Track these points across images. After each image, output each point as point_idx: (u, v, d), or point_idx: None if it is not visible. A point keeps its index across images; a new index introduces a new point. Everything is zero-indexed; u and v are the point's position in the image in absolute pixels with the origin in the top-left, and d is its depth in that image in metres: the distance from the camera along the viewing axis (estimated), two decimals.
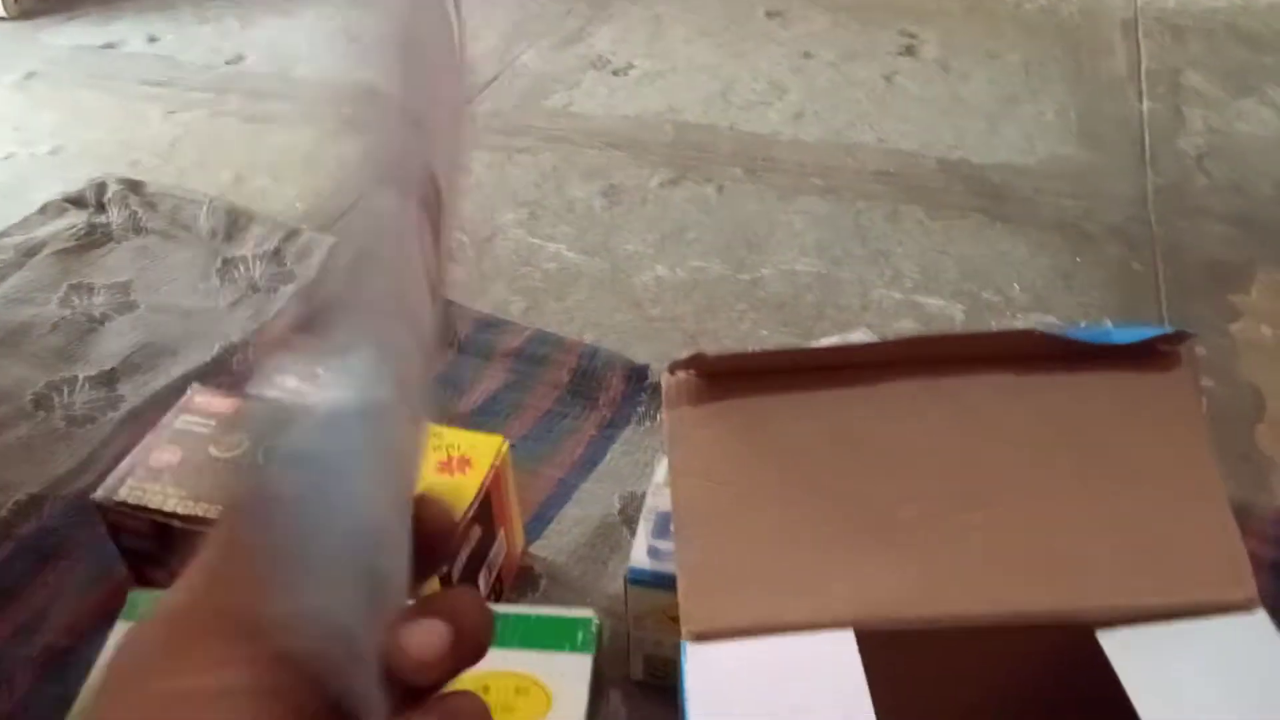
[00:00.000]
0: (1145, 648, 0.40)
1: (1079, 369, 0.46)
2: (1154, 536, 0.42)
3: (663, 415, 0.46)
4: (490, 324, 0.76)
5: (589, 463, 0.65)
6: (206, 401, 0.57)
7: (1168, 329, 0.45)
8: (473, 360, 0.73)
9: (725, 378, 0.46)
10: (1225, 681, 0.39)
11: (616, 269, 0.84)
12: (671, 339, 0.76)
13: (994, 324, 0.75)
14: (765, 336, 0.76)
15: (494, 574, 0.53)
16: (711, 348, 0.71)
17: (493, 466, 0.52)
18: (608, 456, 0.66)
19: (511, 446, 0.66)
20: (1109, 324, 0.72)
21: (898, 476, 0.44)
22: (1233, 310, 0.76)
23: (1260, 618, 0.41)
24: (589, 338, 0.75)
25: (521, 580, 0.58)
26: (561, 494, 0.63)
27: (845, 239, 0.86)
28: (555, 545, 0.60)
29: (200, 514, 0.50)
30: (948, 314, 0.77)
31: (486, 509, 0.51)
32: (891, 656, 0.42)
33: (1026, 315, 0.76)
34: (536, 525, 0.61)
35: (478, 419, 0.68)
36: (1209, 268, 0.80)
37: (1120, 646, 0.40)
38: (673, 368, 0.45)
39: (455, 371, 0.72)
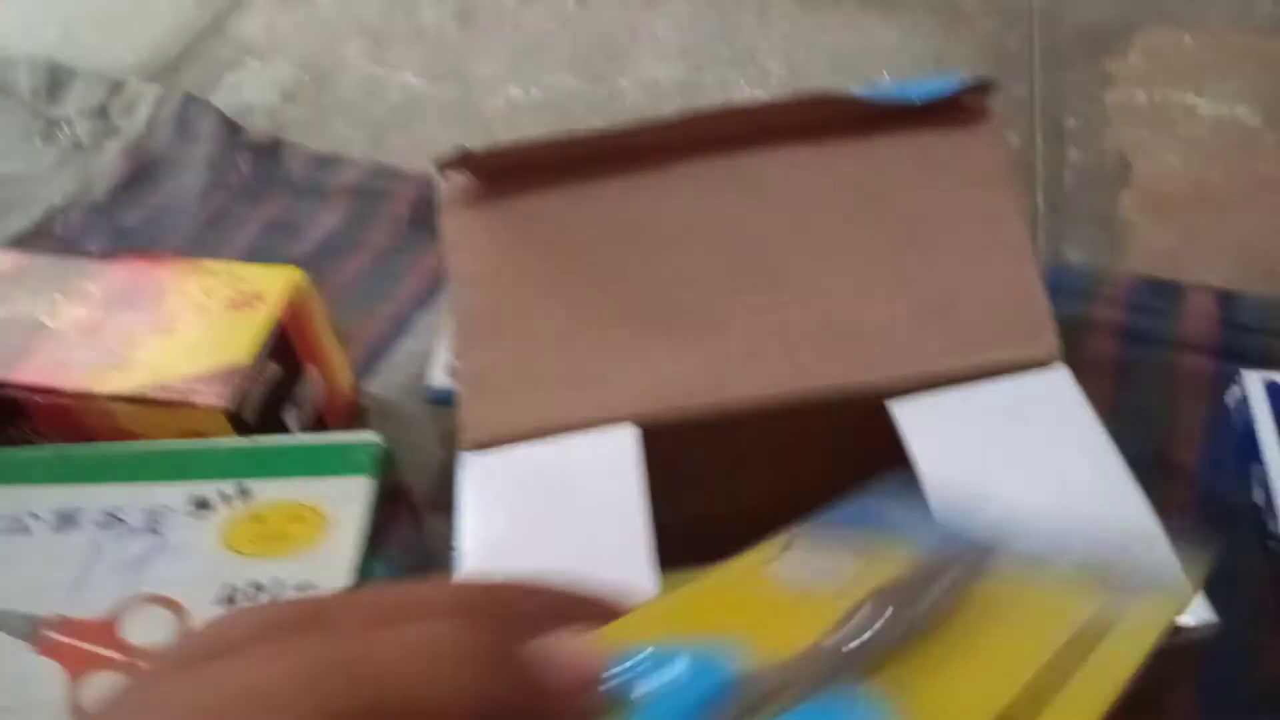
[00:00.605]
0: (936, 414, 0.38)
1: (877, 131, 0.43)
2: (951, 299, 0.40)
3: (438, 220, 0.42)
4: (326, 162, 0.72)
5: (427, 294, 0.62)
6: None
7: (969, 80, 0.42)
8: (307, 201, 0.69)
9: (502, 174, 0.43)
10: (1014, 439, 0.38)
11: (467, 94, 0.78)
12: None
13: None
14: None
15: (308, 412, 0.50)
16: None
17: (285, 300, 0.48)
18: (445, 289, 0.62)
19: (347, 287, 0.64)
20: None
21: (685, 262, 0.41)
22: (1108, 77, 0.72)
23: (1059, 373, 0.39)
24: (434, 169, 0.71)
25: (351, 418, 0.55)
26: (397, 329, 0.60)
27: (711, 40, 0.81)
28: (389, 380, 0.58)
29: None
30: None
31: (283, 344, 0.48)
32: (681, 448, 0.40)
33: None
34: (372, 362, 0.59)
35: (313, 260, 0.65)
36: (1086, 34, 0.75)
37: (911, 415, 0.38)
38: (442, 167, 0.42)
39: (289, 214, 0.68)
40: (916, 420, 0.38)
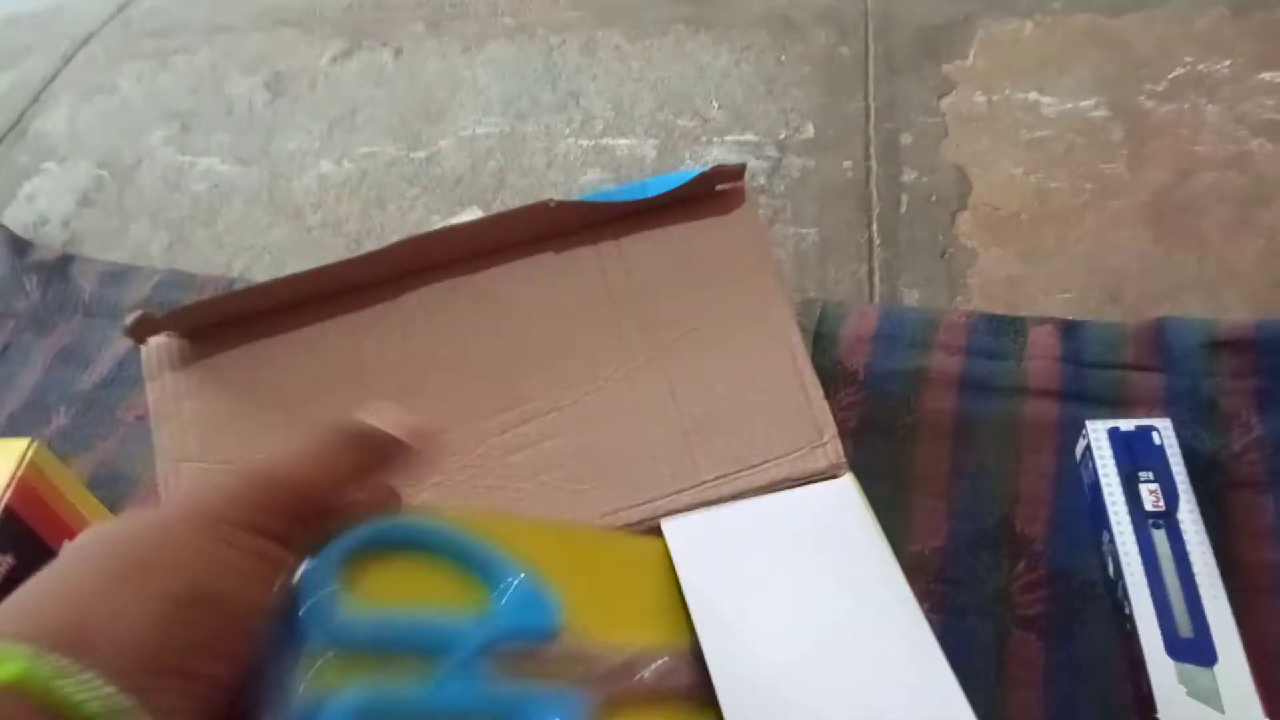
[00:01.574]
0: (712, 534, 0.34)
1: (623, 231, 0.38)
2: (722, 413, 0.35)
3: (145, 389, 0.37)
4: (117, 275, 0.66)
5: None
6: None
7: (717, 167, 0.37)
8: (99, 323, 0.63)
9: (210, 330, 0.38)
10: (790, 560, 0.33)
11: (275, 175, 0.73)
12: (333, 247, 0.66)
13: (688, 156, 0.66)
14: (438, 221, 0.66)
15: None
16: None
17: (14, 479, 0.43)
18: None
19: (142, 418, 0.58)
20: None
21: (423, 401, 0.36)
22: (946, 82, 0.67)
23: (844, 484, 0.35)
24: (239, 264, 0.66)
25: None
26: None
27: (533, 86, 0.75)
28: None
29: None
30: (639, 154, 0.68)
31: (16, 527, 0.43)
32: None
33: (722, 138, 0.67)
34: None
35: (106, 390, 0.59)
36: (924, 36, 0.71)
37: (682, 538, 0.34)
38: (136, 332, 0.36)
39: (80, 341, 0.63)
40: (689, 545, 0.33)
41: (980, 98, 0.66)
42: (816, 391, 0.36)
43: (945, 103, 0.66)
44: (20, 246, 0.69)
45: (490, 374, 0.36)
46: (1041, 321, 0.51)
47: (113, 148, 0.78)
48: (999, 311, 0.52)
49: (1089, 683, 0.39)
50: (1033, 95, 0.65)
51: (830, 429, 0.35)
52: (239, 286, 0.62)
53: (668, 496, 0.35)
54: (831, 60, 0.71)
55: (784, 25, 0.75)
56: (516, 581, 0.26)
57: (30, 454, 0.44)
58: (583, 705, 0.27)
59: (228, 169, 0.74)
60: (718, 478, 0.35)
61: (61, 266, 0.67)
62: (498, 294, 0.37)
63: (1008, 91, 0.66)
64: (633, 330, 0.36)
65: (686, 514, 0.34)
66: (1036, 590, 0.42)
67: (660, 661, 0.30)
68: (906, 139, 0.64)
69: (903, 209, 0.60)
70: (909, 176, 0.61)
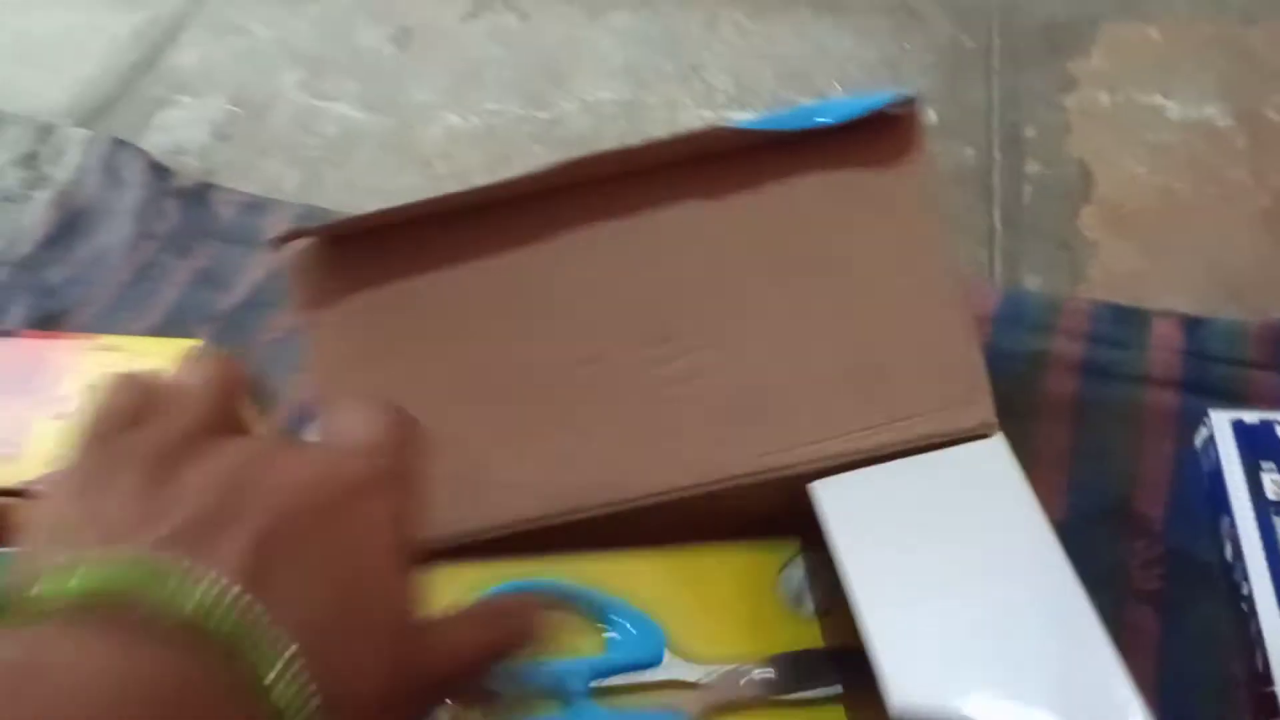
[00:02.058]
0: (862, 495, 0.35)
1: (788, 165, 0.38)
2: (876, 361, 0.37)
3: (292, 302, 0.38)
4: (256, 205, 0.69)
5: None
6: None
7: (893, 96, 0.37)
8: (237, 249, 0.66)
9: (357, 248, 0.38)
10: (944, 522, 0.35)
11: (404, 124, 0.75)
12: None
13: None
14: None
15: None
16: None
17: None
18: None
19: (277, 340, 0.61)
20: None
21: (577, 333, 0.37)
22: (1069, 79, 0.68)
23: (995, 444, 0.36)
24: (370, 206, 0.68)
25: None
26: None
27: (656, 56, 0.77)
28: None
29: None
30: None
31: None
32: (580, 534, 0.37)
33: None
34: (301, 423, 0.56)
35: (242, 314, 0.62)
36: (1048, 32, 0.72)
37: (834, 498, 0.35)
38: (279, 243, 0.37)
39: (218, 264, 0.66)
40: (840, 509, 0.35)
41: (1104, 97, 0.67)
42: (973, 347, 0.37)
43: (1069, 99, 0.67)
44: (160, 172, 0.72)
45: (644, 306, 0.37)
46: (1165, 315, 0.52)
47: (244, 86, 0.81)
48: (1121, 302, 0.53)
49: (1203, 657, 0.41)
50: (1156, 99, 0.66)
51: (983, 387, 0.37)
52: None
53: (816, 443, 0.36)
54: (955, 50, 0.72)
55: (907, 14, 0.76)
56: (622, 619, 0.31)
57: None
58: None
59: (357, 115, 0.77)
60: (866, 428, 0.36)
61: (200, 193, 0.70)
62: (655, 225, 0.38)
63: (1131, 93, 0.67)
64: (790, 270, 0.37)
65: (836, 476, 0.36)
66: (1154, 568, 0.43)
67: (756, 670, 0.35)
68: (1030, 131, 0.65)
69: (1025, 199, 0.61)
70: (1032, 168, 0.62)
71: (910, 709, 0.30)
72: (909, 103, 0.37)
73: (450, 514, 0.36)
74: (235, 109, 0.79)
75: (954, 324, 0.37)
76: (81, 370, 0.47)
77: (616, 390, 0.37)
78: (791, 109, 0.38)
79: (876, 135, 0.37)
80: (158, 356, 0.47)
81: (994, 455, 0.36)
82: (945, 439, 0.36)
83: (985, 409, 0.36)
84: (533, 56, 0.79)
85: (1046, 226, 0.59)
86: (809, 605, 0.39)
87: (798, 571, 0.40)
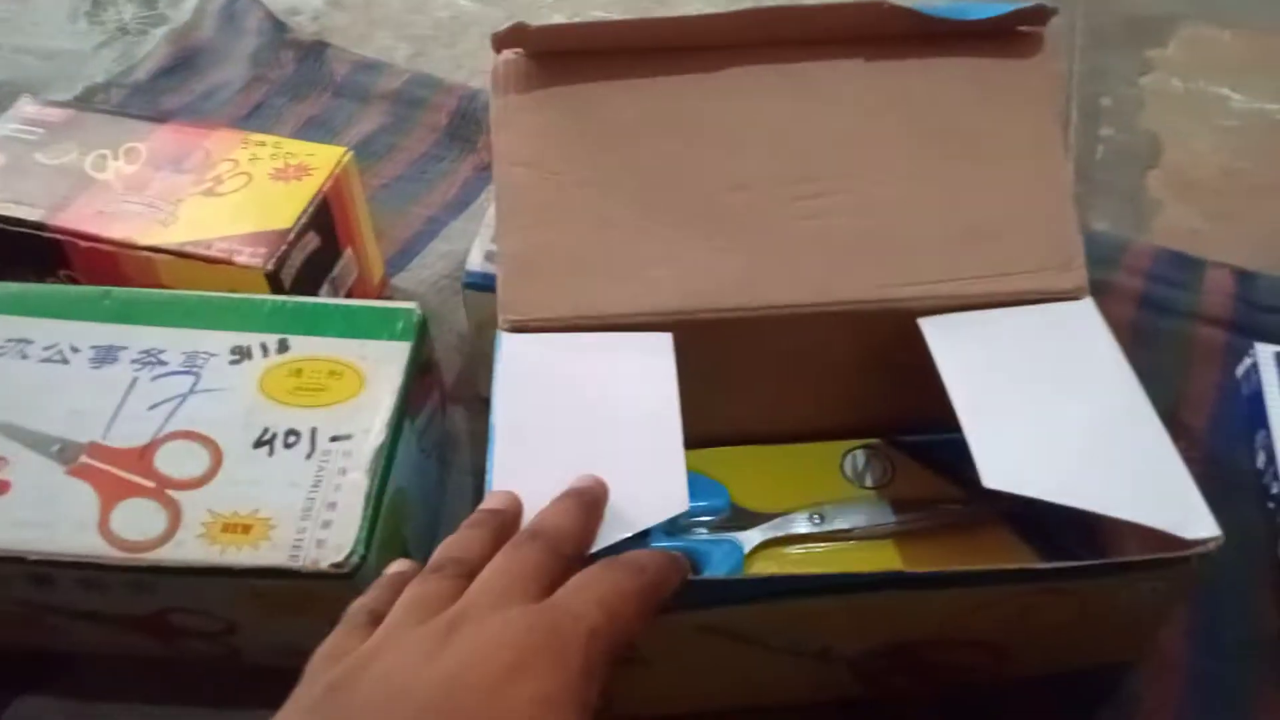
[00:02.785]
0: (965, 334, 0.39)
1: (932, 49, 0.43)
2: (990, 222, 0.41)
3: (490, 99, 0.43)
4: (369, 66, 0.72)
5: (461, 203, 0.63)
6: (37, 111, 0.53)
7: (1028, 5, 0.42)
8: (348, 102, 0.70)
9: (554, 59, 0.43)
10: (1042, 365, 0.39)
11: (513, 18, 0.78)
12: None
13: None
14: None
15: (342, 292, 0.51)
16: None
17: (332, 174, 0.49)
18: (481, 196, 0.63)
19: (384, 187, 0.64)
20: None
21: (732, 162, 0.42)
22: (1146, 63, 0.73)
23: (1085, 305, 0.40)
24: (476, 84, 0.72)
25: None
26: (429, 231, 0.61)
27: None
28: (418, 277, 0.58)
29: (21, 216, 0.47)
30: None
31: (325, 217, 0.49)
32: (713, 346, 0.41)
33: None
34: (402, 259, 0.59)
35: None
36: (1130, 22, 0.76)
37: (941, 333, 0.39)
38: (498, 43, 0.42)
39: (329, 114, 0.69)
40: (946, 339, 0.39)
41: (1177, 83, 0.71)
42: (1073, 223, 0.41)
43: (1145, 80, 0.71)
44: (278, 25, 0.75)
45: (793, 149, 0.42)
46: (1219, 265, 0.56)
47: None
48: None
49: (1233, 547, 0.45)
50: (1225, 90, 0.71)
51: (1079, 256, 0.41)
52: (482, 96, 0.68)
53: (929, 284, 0.40)
54: None
55: None
56: (695, 481, 0.36)
57: (346, 159, 0.50)
58: (739, 546, 0.41)
59: (468, 4, 0.80)
60: (974, 276, 0.40)
61: (317, 50, 0.73)
62: (810, 81, 0.42)
63: (1202, 83, 0.71)
64: (923, 136, 0.42)
65: (944, 315, 0.40)
66: (1192, 467, 0.47)
67: (809, 512, 0.43)
68: (1106, 102, 0.69)
69: (1098, 156, 0.65)
70: (1106, 132, 0.67)
71: (1000, 485, 0.33)
72: (1043, 11, 0.42)
73: (601, 295, 0.40)
74: None
75: (1059, 201, 0.41)
76: (231, 157, 0.50)
77: (759, 215, 0.41)
78: (944, 4, 0.42)
79: (1011, 36, 0.43)
80: (303, 155, 0.50)
81: (1086, 314, 0.40)
82: (1043, 295, 0.40)
83: (1080, 274, 0.41)
84: None
85: (1116, 182, 0.63)
86: (869, 482, 0.44)
87: (859, 455, 0.45)
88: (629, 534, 0.33)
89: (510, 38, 0.42)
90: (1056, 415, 0.37)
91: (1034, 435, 0.36)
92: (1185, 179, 0.64)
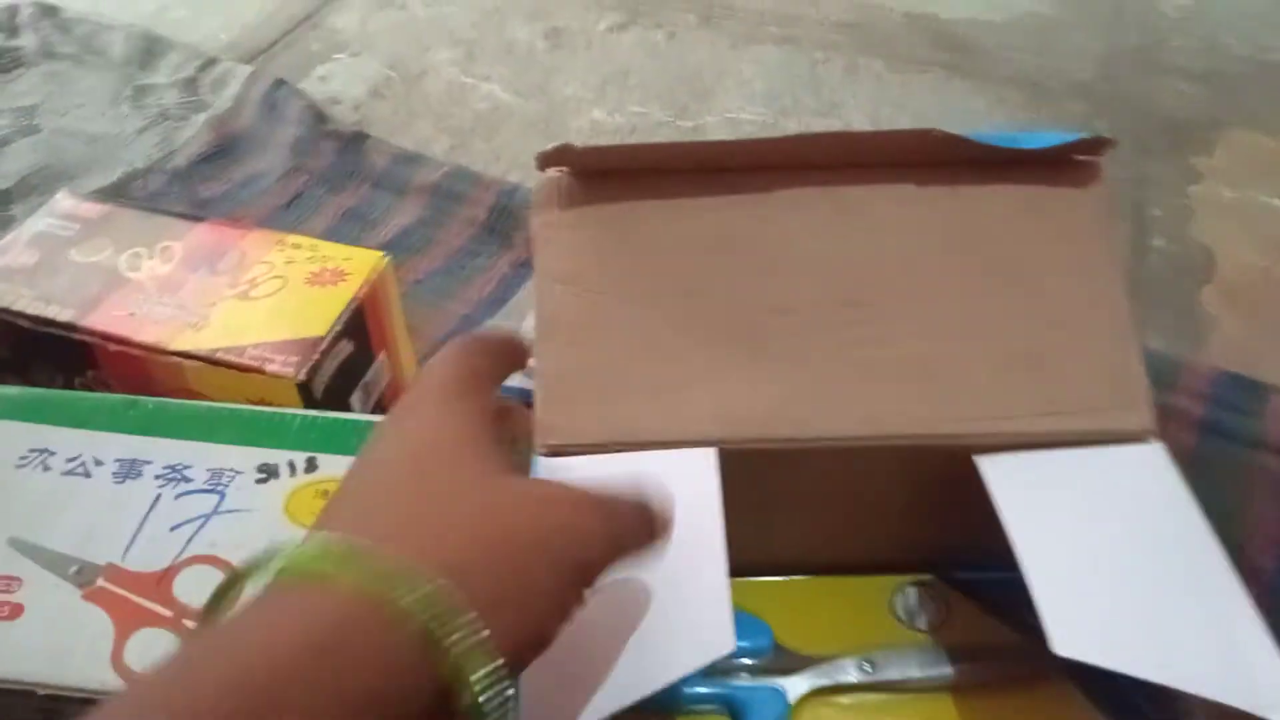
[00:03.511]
0: (1025, 473, 0.37)
1: (985, 176, 0.42)
2: (1047, 355, 0.39)
3: (527, 213, 0.42)
4: (409, 159, 0.72)
5: (497, 300, 0.62)
6: (73, 206, 0.53)
7: (1085, 134, 0.41)
8: (387, 194, 0.69)
9: (598, 178, 0.42)
10: (1110, 513, 0.36)
11: (552, 111, 0.79)
12: None
13: None
14: None
15: (373, 398, 0.50)
16: None
17: (368, 280, 0.48)
18: (519, 294, 0.62)
19: (419, 282, 0.64)
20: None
21: (779, 286, 0.40)
22: (1194, 172, 0.71)
23: (1155, 449, 0.38)
24: (515, 178, 0.71)
25: None
26: (464, 328, 0.60)
27: (797, 89, 0.81)
28: None
29: (51, 316, 0.47)
30: None
31: (359, 323, 0.48)
32: (756, 476, 0.39)
33: None
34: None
35: (387, 253, 0.65)
36: (1173, 128, 0.75)
37: (999, 472, 0.37)
38: (542, 162, 0.41)
39: (367, 205, 0.69)
40: (1007, 481, 0.37)
41: (1227, 192, 0.70)
42: (1138, 358, 0.39)
43: (1193, 190, 0.70)
44: (319, 115, 0.75)
45: (840, 273, 0.40)
46: None
47: (400, 54, 0.85)
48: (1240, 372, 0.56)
49: None
50: (1276, 201, 0.69)
51: (1146, 395, 0.39)
52: (521, 192, 0.68)
53: (985, 419, 0.38)
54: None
55: (1037, 90, 0.80)
56: (736, 617, 0.33)
57: (383, 265, 0.50)
58: (784, 694, 0.39)
59: (507, 98, 0.80)
60: (1033, 414, 0.38)
61: (356, 141, 0.73)
62: (859, 204, 0.41)
63: (1252, 192, 0.70)
64: (976, 266, 0.40)
65: (1002, 453, 0.38)
66: (1267, 616, 0.45)
67: (859, 659, 0.40)
68: (1155, 211, 0.68)
69: (1148, 269, 0.63)
70: (1157, 243, 0.65)
71: (1071, 653, 0.31)
72: (1100, 143, 0.41)
73: (640, 420, 0.38)
74: (391, 73, 0.83)
75: (1122, 334, 0.40)
76: (266, 259, 0.49)
77: (806, 341, 0.39)
78: (997, 132, 0.41)
79: (1065, 166, 0.41)
80: (339, 260, 0.49)
81: (1155, 458, 0.38)
82: (1107, 436, 0.38)
83: (1147, 415, 0.39)
84: (677, 71, 0.83)
85: (1169, 297, 0.62)
86: (921, 623, 0.42)
87: (911, 593, 0.42)
88: (672, 680, 0.31)
89: (555, 157, 0.41)
90: (1128, 573, 0.34)
91: (1105, 595, 0.34)
92: (1240, 294, 0.62)
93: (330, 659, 0.20)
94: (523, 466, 0.43)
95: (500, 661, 0.22)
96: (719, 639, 0.32)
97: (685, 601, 0.33)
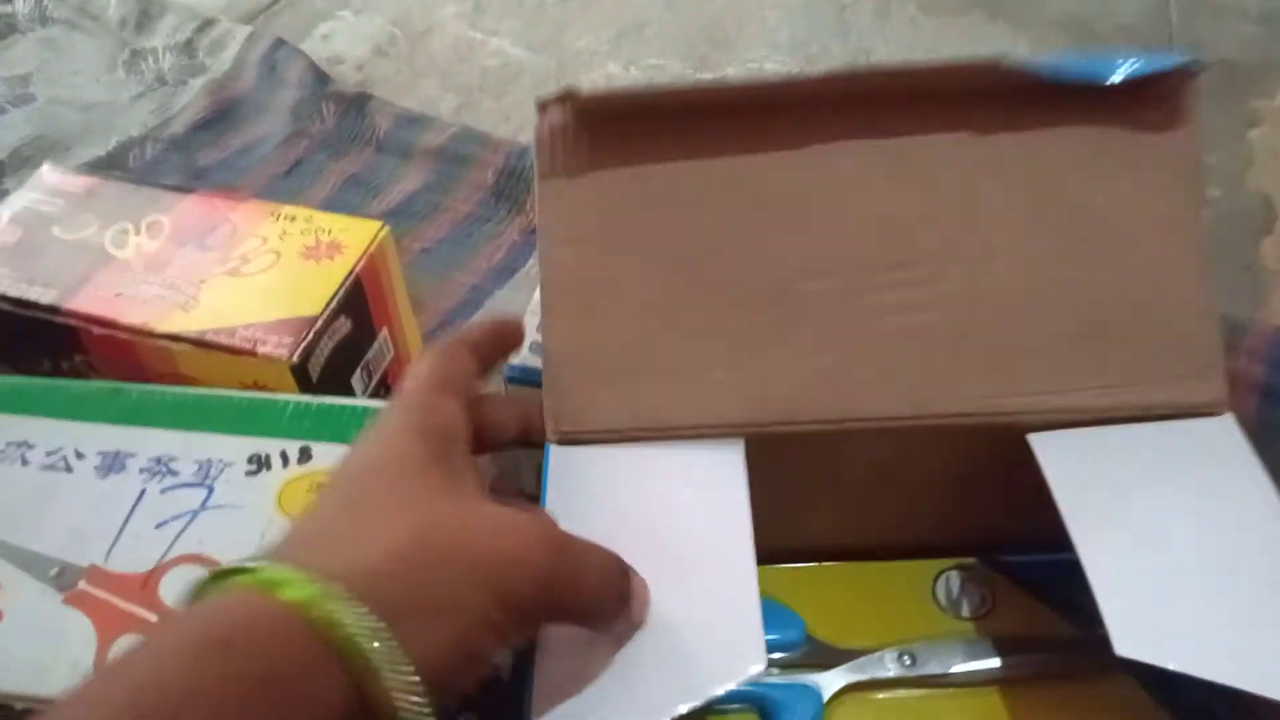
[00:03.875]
0: (1083, 452, 0.34)
1: (1054, 116, 0.36)
2: (1114, 320, 0.35)
3: (533, 171, 0.38)
4: (413, 120, 0.68)
5: (506, 269, 0.59)
6: (59, 180, 0.50)
7: (1172, 60, 0.36)
8: (390, 159, 0.66)
9: (608, 125, 0.37)
10: (1175, 495, 0.33)
11: (564, 67, 0.75)
12: None
13: None
14: None
15: (375, 377, 0.47)
16: None
17: (366, 252, 0.45)
18: (529, 263, 0.59)
19: (425, 251, 0.60)
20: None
21: (815, 247, 0.36)
22: (1253, 115, 0.67)
23: (1226, 422, 0.35)
24: (525, 137, 0.68)
25: None
26: (473, 300, 0.57)
27: (824, 35, 0.76)
28: None
29: (33, 299, 0.44)
30: None
31: (358, 299, 0.45)
32: (790, 459, 0.36)
33: None
34: (442, 332, 0.55)
35: (391, 220, 0.61)
36: (1231, 70, 0.70)
37: (1055, 453, 0.34)
38: (542, 105, 0.37)
39: (370, 171, 0.65)
40: (1062, 462, 0.33)
41: None
42: (1212, 324, 0.35)
43: (1253, 134, 0.65)
44: (320, 76, 0.72)
45: (885, 229, 0.36)
46: None
47: (405, 9, 0.81)
48: None
49: None
50: None
51: (1219, 364, 0.35)
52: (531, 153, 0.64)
53: (1043, 394, 0.35)
54: None
55: (1083, 30, 0.75)
56: (767, 608, 0.31)
57: (382, 235, 0.46)
58: (818, 691, 0.36)
59: (517, 52, 0.77)
60: (1096, 388, 0.35)
61: (359, 102, 0.70)
62: (913, 150, 0.36)
63: None
64: (1041, 218, 0.36)
65: (1058, 431, 0.34)
66: None
67: (897, 651, 0.37)
68: (1211, 159, 0.63)
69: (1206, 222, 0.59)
70: (1214, 194, 0.61)
71: (1135, 654, 0.28)
72: (1193, 68, 0.36)
73: (659, 403, 0.35)
74: (395, 30, 0.79)
75: (1197, 298, 0.36)
76: (259, 233, 0.46)
77: (841, 308, 0.35)
78: (1074, 57, 0.36)
79: (1150, 98, 0.36)
80: (336, 231, 0.46)
81: (1227, 434, 0.34)
82: (1175, 410, 0.34)
83: (1220, 385, 0.35)
84: (696, 20, 0.79)
85: (1228, 252, 0.57)
86: (965, 611, 0.38)
87: (954, 578, 0.39)
88: (697, 703, 0.28)
89: (559, 103, 0.36)
90: (1196, 563, 0.31)
91: (1171, 589, 0.30)
92: None
93: (228, 651, 0.22)
94: (514, 459, 0.41)
95: (408, 666, 0.22)
96: (749, 656, 0.29)
97: (713, 616, 0.30)
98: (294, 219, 0.47)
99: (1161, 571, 0.31)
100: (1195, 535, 0.32)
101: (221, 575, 0.24)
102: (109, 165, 0.66)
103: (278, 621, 0.22)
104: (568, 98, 0.35)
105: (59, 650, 0.33)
